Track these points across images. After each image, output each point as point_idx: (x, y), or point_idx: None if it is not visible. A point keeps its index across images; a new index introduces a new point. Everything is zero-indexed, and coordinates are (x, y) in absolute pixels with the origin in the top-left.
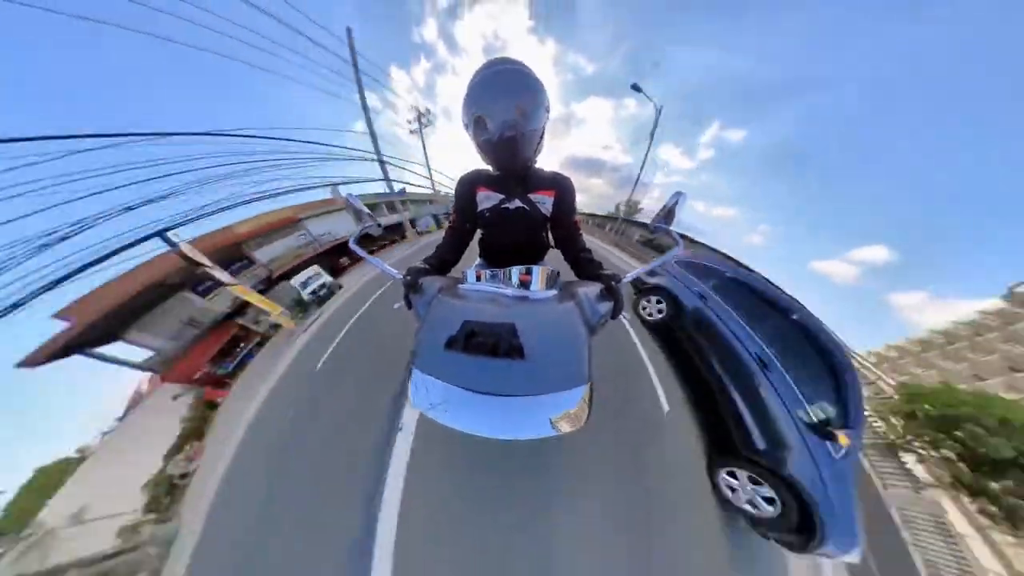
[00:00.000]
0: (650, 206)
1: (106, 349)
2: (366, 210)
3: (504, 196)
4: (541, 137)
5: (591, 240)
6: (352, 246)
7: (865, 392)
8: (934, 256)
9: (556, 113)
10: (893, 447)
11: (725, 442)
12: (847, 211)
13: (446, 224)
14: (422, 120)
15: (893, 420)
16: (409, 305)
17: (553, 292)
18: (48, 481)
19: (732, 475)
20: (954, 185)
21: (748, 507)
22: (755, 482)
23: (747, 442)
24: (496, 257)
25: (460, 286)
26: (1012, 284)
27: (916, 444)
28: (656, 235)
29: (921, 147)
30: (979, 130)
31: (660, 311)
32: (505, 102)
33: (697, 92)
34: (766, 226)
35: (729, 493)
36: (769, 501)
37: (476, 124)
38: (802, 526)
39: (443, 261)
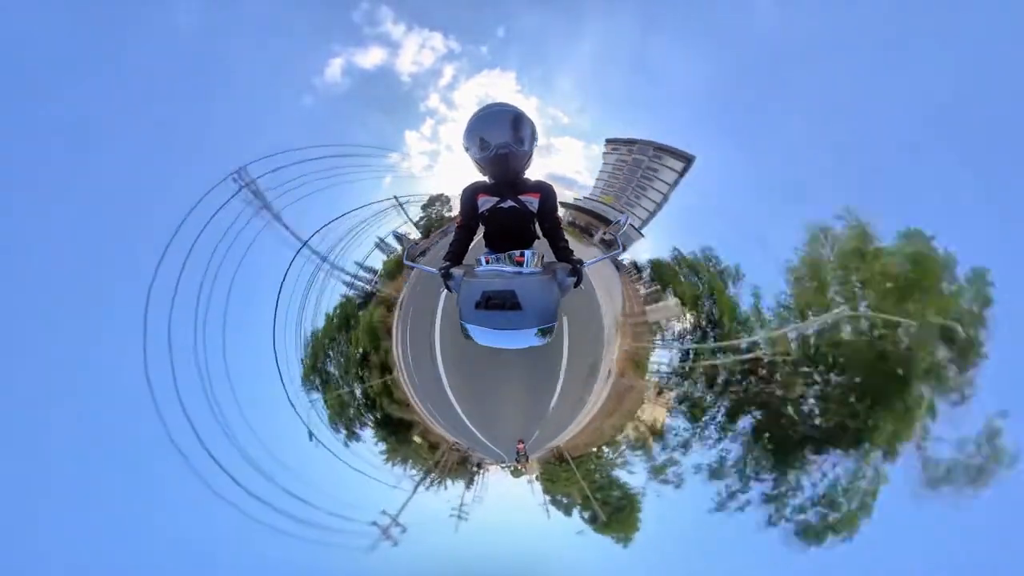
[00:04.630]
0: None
1: None
2: (407, 237)
3: (499, 198)
4: (530, 157)
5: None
6: (406, 262)
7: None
8: None
9: (540, 142)
10: None
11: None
12: None
13: (455, 226)
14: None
15: None
16: (448, 288)
17: (539, 269)
18: None
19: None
20: None
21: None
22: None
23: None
24: (497, 245)
25: (476, 269)
26: None
27: None
28: (606, 238)
29: None
30: None
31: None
32: (502, 130)
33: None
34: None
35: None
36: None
37: (477, 146)
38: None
39: (457, 254)
